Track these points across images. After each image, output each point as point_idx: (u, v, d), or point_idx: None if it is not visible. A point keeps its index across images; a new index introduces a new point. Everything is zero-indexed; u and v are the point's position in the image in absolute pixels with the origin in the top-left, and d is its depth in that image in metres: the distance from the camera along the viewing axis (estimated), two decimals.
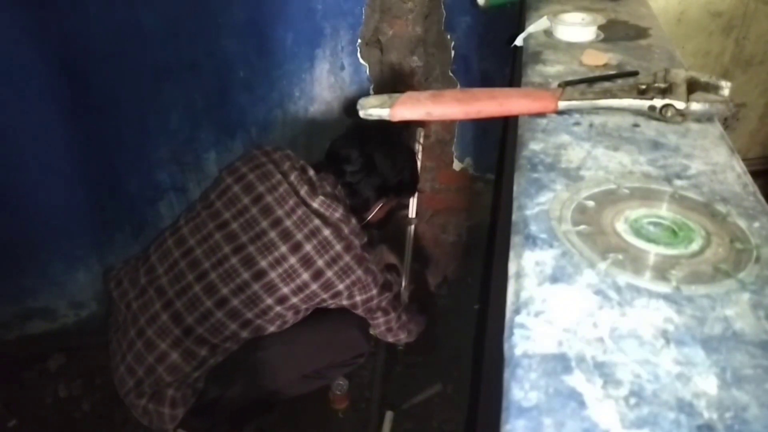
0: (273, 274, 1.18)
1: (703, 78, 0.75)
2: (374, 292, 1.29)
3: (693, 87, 0.74)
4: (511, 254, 0.52)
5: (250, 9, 1.55)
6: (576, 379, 0.39)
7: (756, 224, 0.54)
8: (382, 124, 1.29)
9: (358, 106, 0.83)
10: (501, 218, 1.29)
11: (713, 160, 0.65)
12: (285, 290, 1.19)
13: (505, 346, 0.43)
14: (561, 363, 0.40)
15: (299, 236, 1.18)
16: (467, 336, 1.85)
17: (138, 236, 1.87)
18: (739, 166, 0.64)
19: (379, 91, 1.70)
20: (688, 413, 0.37)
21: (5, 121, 1.57)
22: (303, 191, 1.22)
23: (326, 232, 1.19)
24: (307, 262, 1.18)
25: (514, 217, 0.57)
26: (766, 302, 0.45)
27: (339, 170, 1.31)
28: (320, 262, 1.18)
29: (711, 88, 0.74)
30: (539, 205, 0.57)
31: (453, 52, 1.66)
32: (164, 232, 1.31)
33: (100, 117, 1.63)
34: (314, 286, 1.19)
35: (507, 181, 1.15)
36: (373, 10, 1.57)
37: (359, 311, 1.33)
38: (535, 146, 0.68)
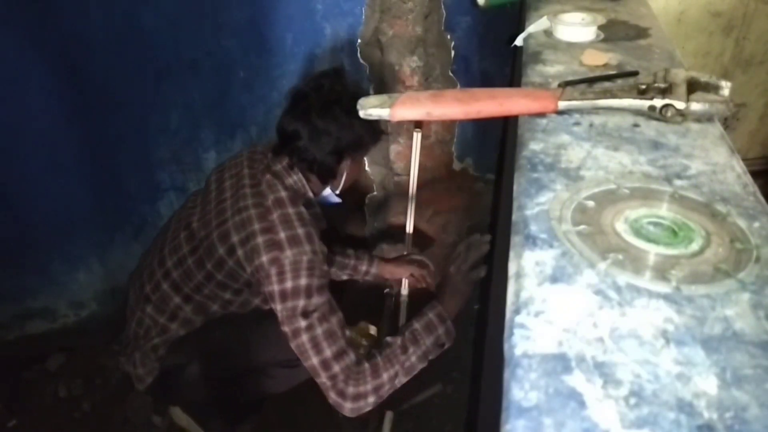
0: (201, 250, 1.25)
1: (703, 78, 0.75)
2: (274, 288, 1.15)
3: (693, 87, 0.74)
4: (511, 254, 0.52)
5: (250, 9, 1.55)
6: (576, 379, 0.39)
7: (756, 224, 0.54)
8: (318, 90, 1.28)
9: (358, 106, 0.83)
10: (501, 218, 1.29)
11: (713, 160, 0.65)
12: (209, 266, 1.25)
13: (505, 346, 0.43)
14: (561, 363, 0.40)
15: (228, 212, 1.23)
16: (467, 336, 1.85)
17: (138, 236, 1.87)
18: (739, 166, 0.64)
19: (379, 91, 1.70)
20: (688, 413, 0.37)
21: (5, 120, 1.57)
22: (259, 174, 1.27)
23: (252, 210, 1.20)
24: (224, 236, 1.21)
25: (514, 217, 0.57)
26: (766, 302, 0.45)
27: (293, 148, 1.28)
28: (235, 239, 1.19)
29: (711, 88, 0.74)
30: (539, 205, 0.57)
31: (453, 52, 1.66)
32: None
33: (100, 117, 1.63)
34: (230, 263, 1.22)
35: (507, 181, 1.15)
36: (373, 10, 1.57)
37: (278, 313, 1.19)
38: (535, 146, 0.68)
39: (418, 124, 1.68)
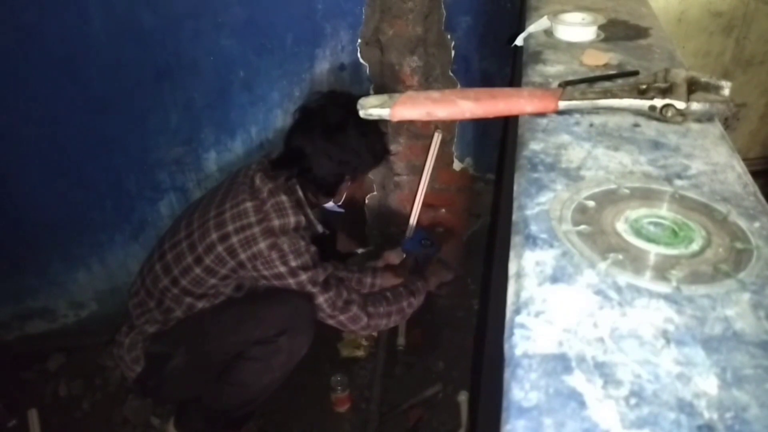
0: (195, 234, 1.36)
1: (704, 78, 0.74)
2: (281, 269, 1.34)
3: (693, 87, 0.74)
4: (512, 254, 0.52)
5: (250, 9, 1.55)
6: (576, 379, 0.39)
7: (756, 224, 0.54)
8: (325, 111, 1.39)
9: (358, 106, 0.83)
10: (501, 218, 1.29)
11: (713, 160, 0.65)
12: (200, 249, 1.35)
13: (505, 346, 0.43)
14: (561, 363, 0.40)
15: (227, 204, 1.36)
16: (467, 336, 1.85)
17: (138, 236, 1.87)
18: (740, 166, 0.64)
19: (379, 91, 1.70)
20: (688, 413, 0.37)
21: (5, 121, 1.57)
22: (254, 175, 1.38)
23: (248, 203, 1.33)
24: (220, 224, 1.33)
25: (515, 217, 0.57)
26: (767, 302, 0.45)
27: (295, 164, 1.40)
28: (230, 227, 1.32)
29: (711, 88, 0.74)
30: (539, 205, 0.57)
31: (453, 52, 1.66)
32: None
33: (100, 117, 1.63)
34: (220, 248, 1.33)
35: (507, 181, 1.15)
36: (373, 10, 1.57)
37: (288, 284, 1.38)
38: (535, 146, 0.68)
39: (437, 125, 1.75)
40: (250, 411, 1.53)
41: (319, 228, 1.48)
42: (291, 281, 1.36)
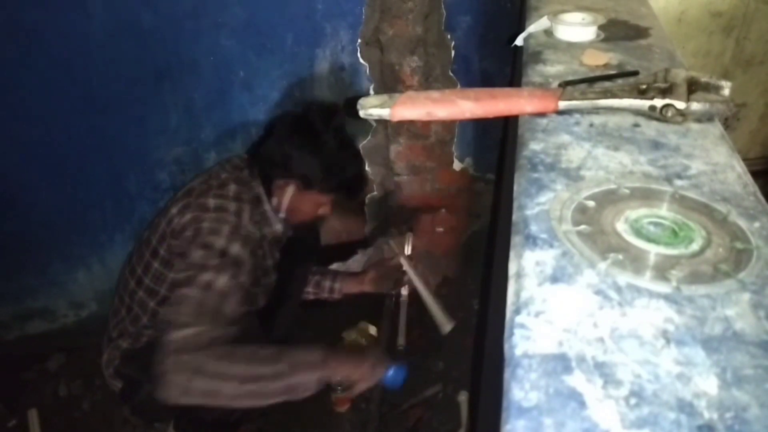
0: (153, 229, 1.35)
1: (704, 78, 0.74)
2: (186, 251, 1.18)
3: (693, 87, 0.74)
4: (511, 254, 0.52)
5: (250, 9, 1.55)
6: (576, 379, 0.39)
7: (756, 224, 0.54)
8: (301, 118, 1.35)
9: (358, 106, 0.83)
10: (501, 218, 1.29)
11: (713, 160, 0.65)
12: (154, 241, 1.33)
13: (505, 346, 0.43)
14: (561, 363, 0.40)
15: (180, 192, 1.36)
16: (467, 336, 1.85)
17: (138, 236, 1.87)
18: (740, 166, 0.64)
19: (379, 91, 1.70)
20: (688, 413, 0.37)
21: (5, 120, 1.57)
22: (224, 174, 1.35)
23: (195, 182, 1.33)
24: (168, 209, 1.31)
25: (515, 217, 0.57)
26: (767, 302, 0.45)
27: (257, 151, 1.39)
28: (174, 209, 1.29)
29: (711, 88, 0.74)
30: (539, 205, 0.57)
31: (453, 52, 1.66)
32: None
33: (100, 117, 1.63)
34: (167, 230, 1.28)
35: (507, 181, 1.15)
36: (373, 10, 1.57)
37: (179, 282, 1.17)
38: (535, 146, 0.68)
39: (410, 228, 1.55)
40: (239, 416, 1.53)
41: (278, 227, 1.41)
42: (183, 276, 1.13)
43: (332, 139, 1.35)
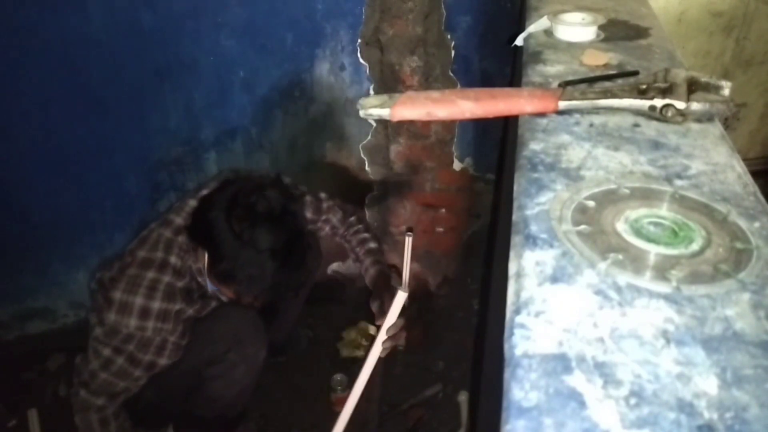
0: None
1: (704, 78, 0.74)
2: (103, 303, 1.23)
3: (693, 87, 0.74)
4: (512, 254, 0.52)
5: (250, 9, 1.55)
6: (576, 379, 0.39)
7: (756, 224, 0.54)
8: (237, 198, 1.12)
9: (358, 106, 0.83)
10: (501, 218, 1.29)
11: (713, 160, 0.65)
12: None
13: (505, 346, 0.43)
14: (561, 363, 0.40)
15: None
16: (467, 336, 1.85)
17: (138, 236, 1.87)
18: (740, 166, 0.64)
19: (379, 91, 1.70)
20: (688, 413, 0.37)
21: (5, 121, 1.57)
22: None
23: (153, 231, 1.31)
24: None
25: (514, 217, 0.57)
26: (767, 302, 0.45)
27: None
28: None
29: (711, 88, 0.74)
30: (539, 205, 0.57)
31: (453, 52, 1.66)
32: None
33: (100, 117, 1.63)
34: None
35: (507, 181, 1.15)
36: (373, 10, 1.57)
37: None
38: (535, 146, 0.68)
39: (409, 228, 1.33)
40: (240, 411, 1.53)
41: (208, 287, 1.26)
42: (94, 336, 1.22)
43: (233, 233, 1.12)
